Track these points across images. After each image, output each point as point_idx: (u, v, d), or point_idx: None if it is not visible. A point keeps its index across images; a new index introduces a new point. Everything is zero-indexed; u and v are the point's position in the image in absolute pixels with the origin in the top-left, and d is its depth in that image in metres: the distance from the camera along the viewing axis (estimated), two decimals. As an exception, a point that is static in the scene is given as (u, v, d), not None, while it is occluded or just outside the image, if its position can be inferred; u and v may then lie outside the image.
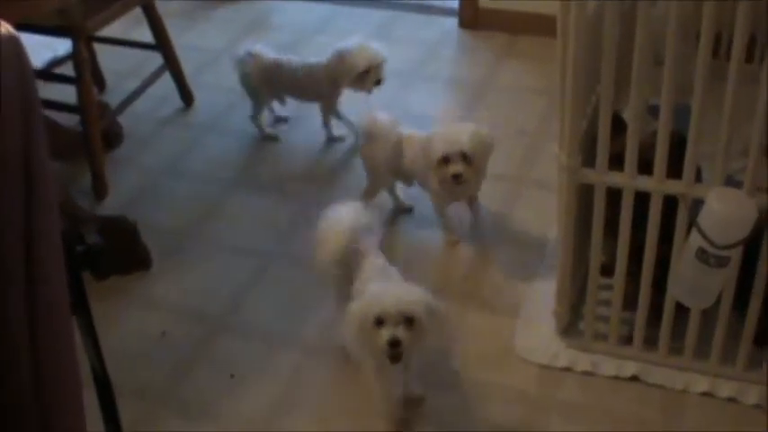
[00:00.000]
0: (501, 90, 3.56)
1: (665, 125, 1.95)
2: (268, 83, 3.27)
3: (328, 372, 2.37)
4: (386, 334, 1.97)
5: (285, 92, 3.36)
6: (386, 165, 2.79)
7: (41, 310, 1.02)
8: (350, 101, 3.46)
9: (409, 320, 1.98)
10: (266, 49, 3.29)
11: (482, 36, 3.93)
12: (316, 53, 3.60)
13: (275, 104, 3.42)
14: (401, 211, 2.94)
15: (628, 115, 2.02)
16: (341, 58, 3.15)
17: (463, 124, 2.68)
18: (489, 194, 2.93)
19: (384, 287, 2.09)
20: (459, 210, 2.82)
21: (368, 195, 2.84)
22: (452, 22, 4.04)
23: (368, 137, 2.81)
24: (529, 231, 2.79)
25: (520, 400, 2.27)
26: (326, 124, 3.33)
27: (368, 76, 3.15)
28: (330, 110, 3.31)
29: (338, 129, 3.34)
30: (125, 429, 1.82)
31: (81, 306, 1.41)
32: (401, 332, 1.97)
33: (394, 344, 1.96)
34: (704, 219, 1.89)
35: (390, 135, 2.78)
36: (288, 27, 4.13)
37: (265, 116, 3.40)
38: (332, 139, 3.33)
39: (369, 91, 3.18)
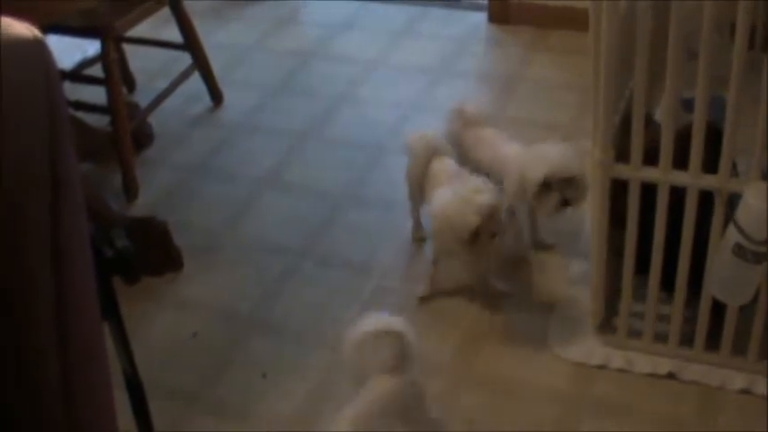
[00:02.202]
0: (531, 85, 3.53)
1: (700, 118, 1.92)
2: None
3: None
4: None
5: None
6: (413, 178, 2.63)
7: (70, 317, 1.01)
8: (375, 102, 3.47)
9: None
10: (477, 109, 2.73)
11: (511, 31, 3.90)
12: (345, 50, 3.60)
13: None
14: None
15: (659, 114, 2.00)
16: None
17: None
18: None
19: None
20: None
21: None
22: (481, 16, 4.01)
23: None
24: (561, 227, 2.76)
25: (554, 397, 2.25)
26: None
27: (548, 194, 2.40)
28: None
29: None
30: (158, 430, 1.82)
31: (112, 311, 1.41)
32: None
33: None
34: (741, 214, 1.86)
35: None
36: (316, 24, 4.12)
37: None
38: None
39: (547, 215, 2.48)
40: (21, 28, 1.02)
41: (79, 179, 1.04)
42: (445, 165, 2.56)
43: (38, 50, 1.00)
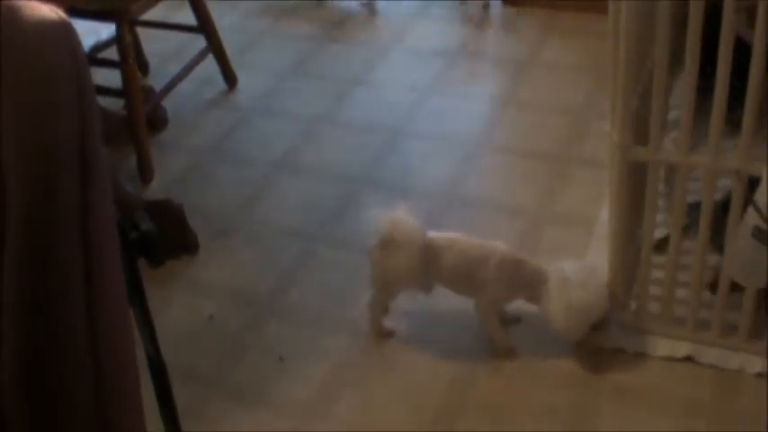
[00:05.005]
0: (544, 67, 3.52)
1: (719, 100, 1.91)
2: None
3: (376, 354, 2.37)
4: None
5: None
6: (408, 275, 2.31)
7: (99, 299, 1.01)
8: (389, 85, 3.47)
9: None
10: None
11: (525, 13, 3.89)
12: (359, 33, 3.61)
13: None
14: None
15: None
16: None
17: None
18: (535, 173, 2.91)
19: None
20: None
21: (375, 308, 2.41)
22: (495, -1, 4.01)
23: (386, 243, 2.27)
24: (576, 210, 2.76)
25: (570, 381, 2.24)
26: None
27: None
28: None
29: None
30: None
31: (137, 294, 1.41)
32: None
33: None
34: (760, 196, 1.85)
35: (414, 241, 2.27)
36: (331, 7, 4.11)
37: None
38: None
39: None
40: (47, 10, 1.01)
41: (106, 163, 1.04)
42: None
43: (65, 33, 1.01)
